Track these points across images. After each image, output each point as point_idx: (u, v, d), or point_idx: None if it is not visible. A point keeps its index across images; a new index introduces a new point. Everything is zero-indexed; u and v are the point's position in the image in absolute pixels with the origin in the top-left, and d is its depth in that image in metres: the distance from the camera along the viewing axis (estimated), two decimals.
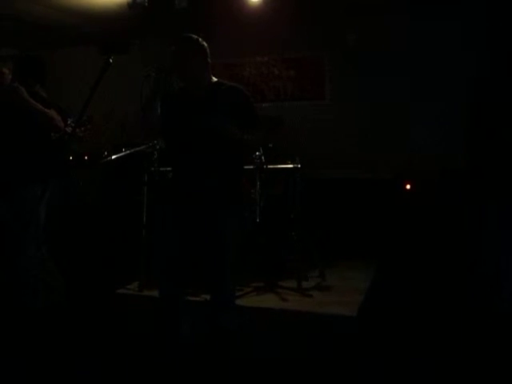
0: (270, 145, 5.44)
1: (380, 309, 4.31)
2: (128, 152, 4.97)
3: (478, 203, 4.17)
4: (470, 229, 4.37)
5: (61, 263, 4.22)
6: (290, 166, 5.04)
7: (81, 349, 3.45)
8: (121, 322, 4.01)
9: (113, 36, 6.64)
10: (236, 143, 3.08)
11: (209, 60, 3.15)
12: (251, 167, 4.82)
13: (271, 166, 4.98)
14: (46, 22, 6.71)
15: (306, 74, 7.08)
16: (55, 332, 3.68)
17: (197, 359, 3.23)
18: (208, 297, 3.44)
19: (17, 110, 3.91)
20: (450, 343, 3.48)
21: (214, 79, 3.22)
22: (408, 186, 6.02)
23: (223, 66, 7.11)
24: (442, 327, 3.76)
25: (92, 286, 4.90)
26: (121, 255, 5.56)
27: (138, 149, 4.95)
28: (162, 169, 4.89)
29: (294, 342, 3.59)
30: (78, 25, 6.87)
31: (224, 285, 3.27)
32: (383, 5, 6.18)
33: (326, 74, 6.98)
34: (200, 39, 3.14)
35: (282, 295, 4.71)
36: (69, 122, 4.06)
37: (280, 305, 4.48)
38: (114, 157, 4.95)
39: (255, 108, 3.23)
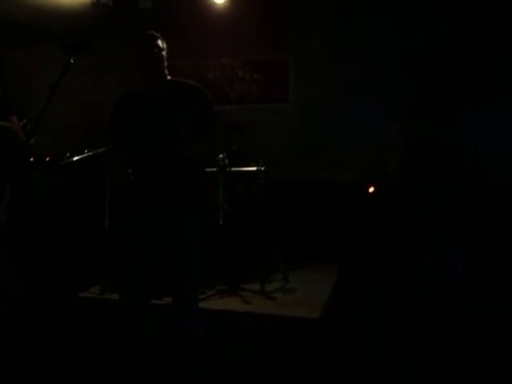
0: (234, 147, 5.43)
1: (342, 311, 4.35)
2: (90, 154, 4.91)
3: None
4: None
5: (20, 267, 4.13)
6: (254, 168, 5.04)
7: (40, 354, 3.39)
8: (83, 326, 3.95)
9: (75, 36, 6.55)
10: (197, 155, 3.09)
11: (165, 61, 3.18)
12: (214, 170, 4.81)
13: (235, 169, 4.97)
14: (5, 19, 6.57)
15: (270, 77, 7.09)
16: (14, 338, 3.61)
17: (160, 363, 3.21)
18: (170, 299, 3.42)
19: None
20: (410, 344, 3.52)
21: (169, 77, 3.23)
22: (371, 189, 6.08)
23: (187, 68, 7.05)
24: (402, 329, 3.81)
25: (53, 289, 4.82)
26: (82, 258, 5.48)
27: (100, 150, 4.89)
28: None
29: (258, 344, 3.59)
30: (39, 23, 6.75)
31: (187, 287, 3.25)
32: (348, 8, 6.24)
33: (291, 77, 7.01)
34: (160, 38, 3.18)
35: (245, 298, 4.71)
36: (21, 124, 3.99)
37: (243, 307, 4.48)
38: (75, 158, 4.88)
39: (213, 106, 3.25)
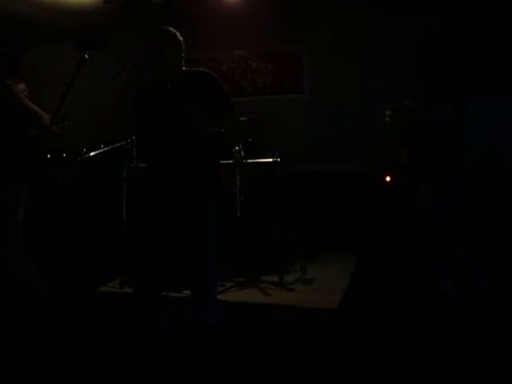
0: (249, 139, 5.42)
1: (361, 302, 4.34)
2: (106, 149, 4.92)
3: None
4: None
5: (40, 263, 4.17)
6: (270, 159, 5.03)
7: (63, 349, 3.42)
8: (103, 320, 3.98)
9: (88, 31, 6.58)
10: (211, 136, 3.11)
11: (183, 54, 3.19)
12: (230, 162, 4.82)
13: (251, 161, 4.97)
14: (20, 17, 6.61)
15: (284, 68, 7.07)
16: (36, 333, 3.65)
17: (177, 355, 3.22)
18: (189, 292, 3.44)
19: (9, 108, 3.86)
20: (430, 335, 3.51)
21: (184, 69, 3.26)
22: (388, 178, 6.04)
23: (201, 61, 7.03)
24: (421, 318, 3.80)
25: (73, 284, 4.87)
26: (101, 253, 5.52)
27: (116, 145, 4.91)
28: (141, 165, 4.85)
29: (277, 336, 3.59)
30: (53, 20, 6.78)
31: (204, 277, 3.27)
32: None
33: (305, 68, 6.98)
34: (176, 33, 3.21)
35: (264, 289, 4.72)
36: None
37: (262, 299, 4.49)
38: (92, 154, 4.91)
39: (225, 89, 3.27)
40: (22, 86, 5.12)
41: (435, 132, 4.08)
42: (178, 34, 3.21)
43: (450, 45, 4.29)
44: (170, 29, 3.20)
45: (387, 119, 4.19)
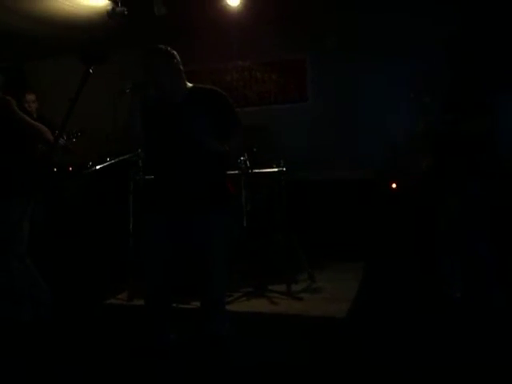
0: (255, 149, 5.44)
1: (370, 310, 4.33)
2: (112, 161, 4.94)
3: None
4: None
5: (47, 275, 4.18)
6: (275, 169, 5.03)
7: (69, 360, 3.42)
8: (110, 333, 3.98)
9: (93, 46, 6.62)
10: (218, 152, 3.10)
11: (181, 67, 3.18)
12: (236, 172, 4.82)
13: (256, 171, 4.97)
14: (25, 32, 6.67)
15: (288, 77, 7.10)
16: (43, 345, 3.65)
17: (186, 366, 3.22)
18: (198, 304, 3.44)
19: (6, 123, 3.88)
20: (441, 344, 3.49)
21: (189, 85, 3.24)
22: (393, 186, 6.04)
23: (205, 72, 7.12)
24: (431, 328, 3.78)
25: (80, 296, 4.87)
26: (108, 265, 5.53)
27: (122, 158, 4.93)
28: (147, 177, 4.87)
29: (285, 345, 3.59)
30: (58, 35, 6.84)
31: (213, 289, 3.27)
32: (361, 3, 6.22)
33: (308, 76, 7.00)
34: (168, 48, 3.17)
35: (272, 299, 4.71)
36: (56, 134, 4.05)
37: (270, 309, 4.48)
38: (98, 167, 4.92)
39: (234, 108, 3.25)
40: (31, 97, 5.16)
41: (470, 144, 4.00)
42: (168, 48, 3.16)
43: (464, 43, 4.23)
44: (161, 46, 3.15)
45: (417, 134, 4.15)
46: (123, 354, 3.49)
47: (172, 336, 3.32)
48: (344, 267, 5.75)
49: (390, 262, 5.43)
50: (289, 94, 7.12)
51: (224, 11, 6.05)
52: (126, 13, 5.64)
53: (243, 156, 4.85)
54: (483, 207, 4.08)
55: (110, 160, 4.96)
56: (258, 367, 3.23)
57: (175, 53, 3.18)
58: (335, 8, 6.36)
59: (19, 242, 3.88)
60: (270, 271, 5.11)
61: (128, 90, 3.10)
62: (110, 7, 5.65)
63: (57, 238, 5.94)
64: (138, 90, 3.09)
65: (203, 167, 3.11)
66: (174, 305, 3.65)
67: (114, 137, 6.49)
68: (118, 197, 5.63)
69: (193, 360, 3.28)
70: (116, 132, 6.50)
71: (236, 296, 4.71)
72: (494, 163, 4.09)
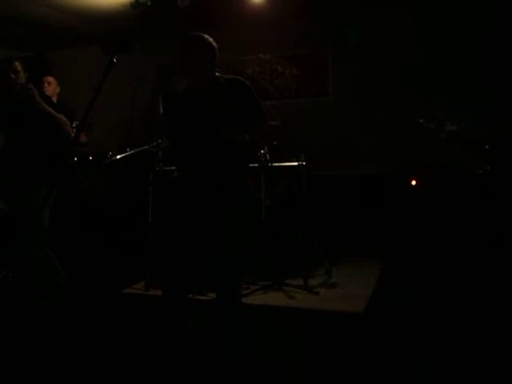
0: (275, 142, 5.43)
1: (386, 305, 4.30)
2: (132, 152, 4.96)
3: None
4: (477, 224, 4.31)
5: (67, 263, 4.21)
6: (295, 163, 5.02)
7: (87, 348, 3.45)
8: (127, 322, 4.01)
9: (116, 35, 6.66)
10: (240, 143, 3.10)
11: (216, 60, 3.18)
12: (256, 165, 4.82)
13: (276, 164, 4.96)
14: (49, 22, 6.73)
15: (309, 71, 7.07)
16: (62, 331, 3.69)
17: (202, 358, 3.23)
18: (214, 295, 3.44)
19: (28, 112, 3.91)
20: (457, 342, 3.46)
21: (217, 74, 3.25)
22: (414, 182, 6.00)
23: (226, 64, 7.10)
24: (448, 325, 3.75)
25: (98, 285, 4.91)
26: (127, 254, 5.56)
27: (142, 148, 4.94)
28: (166, 168, 4.89)
29: (301, 339, 3.58)
30: (81, 25, 6.90)
31: (228, 280, 3.27)
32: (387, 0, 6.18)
33: (330, 70, 6.97)
34: (209, 38, 3.18)
35: (288, 293, 4.71)
36: (73, 126, 4.07)
37: (287, 303, 4.48)
38: (118, 157, 4.95)
39: (256, 96, 3.24)
40: (49, 79, 5.14)
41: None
42: (211, 39, 3.17)
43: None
44: (204, 35, 3.17)
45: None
46: (139, 344, 3.51)
47: (188, 327, 3.32)
48: (361, 263, 5.72)
49: (408, 259, 5.39)
50: (310, 88, 7.09)
51: (247, 4, 6.05)
52: (149, 3, 5.65)
53: (263, 149, 4.84)
54: None
55: (130, 150, 4.99)
56: (272, 360, 3.23)
57: (213, 43, 3.18)
58: (359, 3, 6.31)
59: (39, 229, 3.91)
60: (287, 265, 5.11)
61: (155, 74, 3.08)
62: None
63: (75, 227, 5.98)
64: (163, 73, 3.09)
65: (223, 157, 3.11)
66: (191, 295, 3.66)
67: (134, 126, 6.54)
68: (138, 187, 5.66)
69: (208, 352, 3.29)
70: (135, 122, 6.54)
71: (253, 289, 4.71)
72: None
